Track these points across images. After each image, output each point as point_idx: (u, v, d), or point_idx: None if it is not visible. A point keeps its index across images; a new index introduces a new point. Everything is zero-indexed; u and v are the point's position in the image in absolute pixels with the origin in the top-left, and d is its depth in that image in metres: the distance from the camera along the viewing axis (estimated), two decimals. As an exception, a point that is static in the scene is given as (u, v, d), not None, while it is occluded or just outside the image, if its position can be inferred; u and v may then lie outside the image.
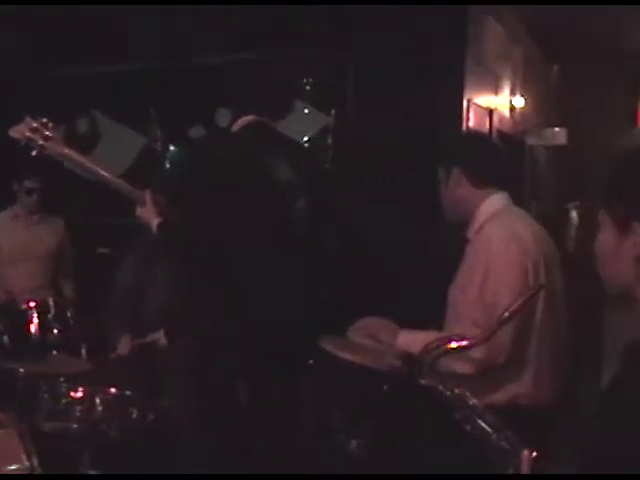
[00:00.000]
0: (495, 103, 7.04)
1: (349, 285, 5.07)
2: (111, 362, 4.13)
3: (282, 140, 3.99)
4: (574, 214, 8.64)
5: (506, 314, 2.46)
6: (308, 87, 5.80)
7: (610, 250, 1.77)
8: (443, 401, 2.29)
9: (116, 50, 6.17)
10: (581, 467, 1.64)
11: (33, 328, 4.28)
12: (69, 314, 4.49)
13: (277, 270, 3.61)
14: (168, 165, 4.80)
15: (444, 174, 3.40)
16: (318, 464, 3.48)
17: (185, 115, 5.99)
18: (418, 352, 2.46)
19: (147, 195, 3.66)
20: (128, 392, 3.55)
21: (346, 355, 3.15)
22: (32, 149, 3.67)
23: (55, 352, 4.15)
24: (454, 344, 2.40)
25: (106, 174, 3.71)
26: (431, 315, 3.35)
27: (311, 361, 3.48)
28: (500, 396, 3.14)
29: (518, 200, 3.59)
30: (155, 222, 3.61)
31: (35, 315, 4.31)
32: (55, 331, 4.33)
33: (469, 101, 6.00)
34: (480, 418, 2.19)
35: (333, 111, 5.77)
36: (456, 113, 5.83)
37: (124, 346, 4.24)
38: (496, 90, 7.12)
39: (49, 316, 4.37)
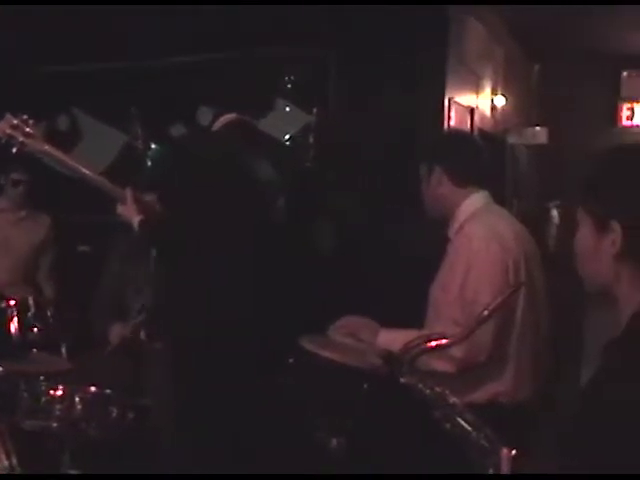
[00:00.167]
0: (476, 102, 7.04)
1: (330, 284, 5.08)
2: (92, 360, 4.12)
3: (263, 139, 3.99)
4: (555, 213, 8.65)
5: (485, 312, 2.47)
6: (290, 85, 5.79)
7: (589, 249, 1.77)
8: (423, 399, 2.30)
9: (97, 48, 6.15)
10: (561, 466, 1.64)
11: (13, 327, 4.25)
12: (49, 313, 4.46)
13: (258, 269, 3.61)
14: (149, 163, 4.79)
15: (426, 172, 3.41)
16: (298, 463, 3.48)
17: (166, 113, 5.97)
18: (398, 351, 2.47)
19: (128, 193, 3.64)
20: (108, 391, 3.54)
21: (327, 353, 3.15)
22: (12, 146, 3.66)
23: (35, 351, 4.13)
24: (433, 343, 2.41)
25: (87, 171, 3.69)
26: (412, 314, 3.35)
27: (291, 360, 3.47)
28: (481, 395, 3.15)
29: (499, 199, 3.61)
30: (136, 220, 3.60)
31: (15, 314, 4.28)
32: (35, 330, 4.31)
33: (450, 100, 6.01)
34: (460, 417, 2.19)
35: (315, 110, 5.77)
36: (437, 112, 5.83)
37: (115, 336, 4.25)
38: (477, 89, 7.12)
39: (29, 315, 4.35)
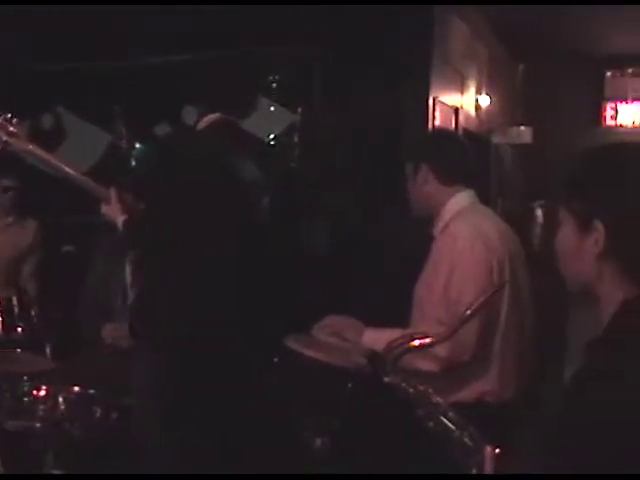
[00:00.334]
0: (461, 102, 7.07)
1: (315, 283, 5.08)
2: (78, 360, 4.11)
3: (248, 138, 3.98)
4: (539, 212, 8.67)
5: (468, 312, 2.47)
6: (274, 85, 5.79)
7: (571, 248, 1.77)
8: (407, 399, 2.30)
9: (82, 47, 6.13)
10: (545, 465, 1.64)
11: (-3, 327, 4.24)
12: (33, 312, 4.45)
13: (242, 268, 3.60)
14: (134, 162, 4.78)
15: (412, 170, 3.41)
16: (283, 462, 3.48)
17: (151, 112, 5.96)
18: (382, 350, 2.47)
19: (112, 192, 3.63)
20: (92, 391, 3.53)
21: (311, 353, 3.15)
22: (-5, 145, 3.65)
23: (19, 350, 4.11)
24: (417, 342, 2.41)
25: (71, 171, 3.68)
26: (398, 313, 3.35)
27: (276, 359, 3.47)
28: (467, 394, 3.16)
29: (484, 198, 3.61)
30: (120, 220, 3.59)
31: (-2, 314, 4.27)
32: (19, 330, 4.29)
33: (435, 99, 6.02)
34: (443, 415, 2.19)
35: (299, 109, 5.77)
36: (422, 111, 5.85)
37: (106, 333, 4.25)
38: (462, 89, 7.14)
39: (13, 315, 4.33)
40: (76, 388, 3.50)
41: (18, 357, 4.00)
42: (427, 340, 2.41)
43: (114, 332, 4.22)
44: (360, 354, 3.21)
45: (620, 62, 9.18)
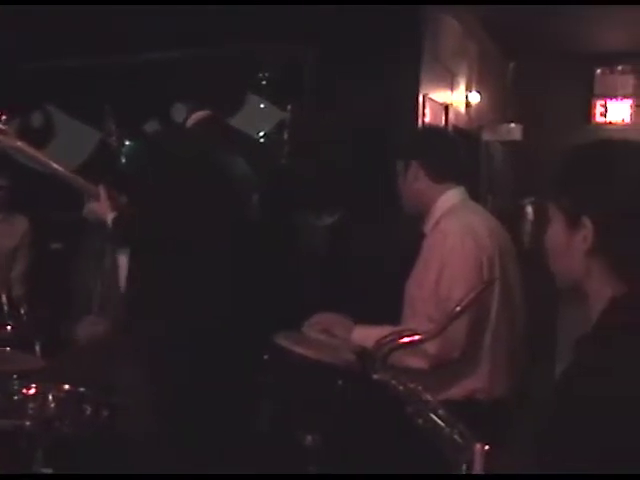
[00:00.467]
0: (451, 99, 7.06)
1: (304, 280, 5.07)
2: (66, 358, 4.10)
3: (238, 136, 3.97)
4: (530, 210, 8.68)
5: (457, 309, 2.47)
6: (264, 82, 5.78)
7: (560, 245, 1.77)
8: (396, 396, 2.30)
9: (71, 45, 6.11)
10: (538, 463, 1.64)
11: (-15, 325, 4.23)
12: (22, 311, 4.44)
13: (234, 266, 3.60)
14: (123, 160, 4.76)
15: (402, 167, 3.40)
16: (273, 459, 3.48)
17: (141, 110, 5.95)
18: (371, 347, 2.47)
19: (101, 190, 3.63)
20: (82, 389, 3.52)
21: (301, 350, 3.15)
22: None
23: (8, 349, 4.10)
24: (406, 339, 2.40)
25: (60, 168, 3.67)
26: (389, 311, 3.35)
27: (266, 356, 3.47)
28: (457, 391, 3.16)
29: (474, 195, 3.61)
30: (110, 217, 3.58)
31: (-13, 312, 4.26)
32: (8, 328, 4.28)
33: (425, 97, 6.02)
34: (433, 412, 2.19)
35: (289, 106, 5.76)
36: (412, 109, 5.84)
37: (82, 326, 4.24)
38: (452, 86, 7.14)
39: (2, 313, 4.33)
40: (66, 386, 3.48)
41: (7, 355, 3.99)
42: (416, 337, 2.41)
43: (90, 325, 4.21)
44: (349, 351, 3.21)
45: (610, 59, 9.19)
